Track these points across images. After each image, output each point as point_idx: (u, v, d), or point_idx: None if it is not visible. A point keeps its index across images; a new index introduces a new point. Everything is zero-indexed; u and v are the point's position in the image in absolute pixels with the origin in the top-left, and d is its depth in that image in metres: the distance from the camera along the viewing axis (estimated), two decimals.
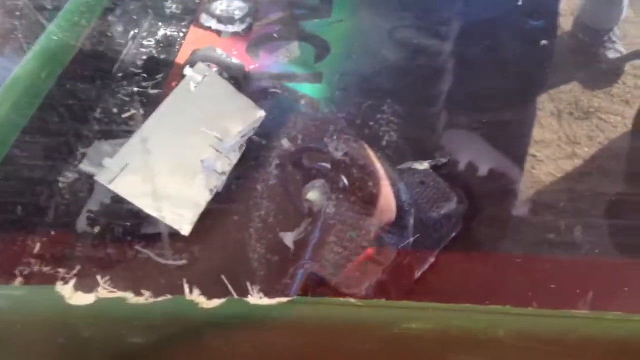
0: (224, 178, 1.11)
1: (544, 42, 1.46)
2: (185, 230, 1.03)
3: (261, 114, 1.19)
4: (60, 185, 1.14)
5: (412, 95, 1.33)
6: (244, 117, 1.17)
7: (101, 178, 1.03)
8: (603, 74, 1.47)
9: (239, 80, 1.25)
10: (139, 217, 1.05)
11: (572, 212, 1.06)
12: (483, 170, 1.12)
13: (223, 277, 0.73)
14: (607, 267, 1.01)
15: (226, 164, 1.12)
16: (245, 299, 0.66)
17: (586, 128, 1.33)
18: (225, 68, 1.24)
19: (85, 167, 1.12)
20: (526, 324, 0.66)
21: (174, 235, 1.03)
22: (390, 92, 1.33)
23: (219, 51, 1.31)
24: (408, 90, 1.35)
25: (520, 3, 1.58)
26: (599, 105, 1.38)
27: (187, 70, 1.19)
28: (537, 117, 1.34)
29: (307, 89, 1.36)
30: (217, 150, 1.11)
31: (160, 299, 0.64)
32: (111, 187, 1.02)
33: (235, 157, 1.13)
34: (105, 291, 0.66)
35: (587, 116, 1.36)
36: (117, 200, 1.06)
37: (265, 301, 0.66)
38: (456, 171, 1.15)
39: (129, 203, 1.03)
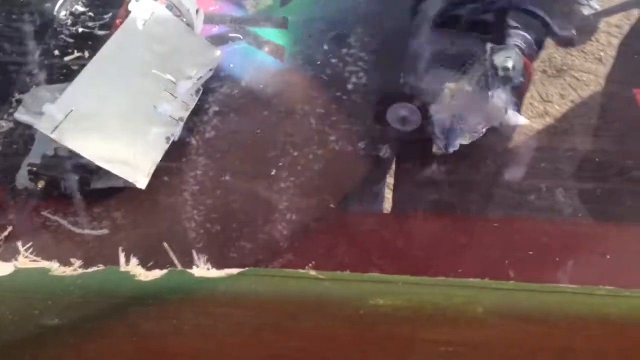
0: (181, 125, 1.00)
1: None
2: (141, 183, 0.92)
3: (217, 53, 1.08)
4: None
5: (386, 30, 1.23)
6: (198, 58, 1.06)
7: (42, 126, 0.91)
8: (577, 31, 1.40)
9: (190, 18, 1.12)
10: (87, 169, 0.94)
11: (552, 173, 0.99)
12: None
13: (165, 244, 0.63)
14: (587, 232, 0.94)
15: (182, 110, 1.01)
16: (189, 270, 0.57)
17: (559, 86, 1.27)
18: (176, 3, 1.11)
19: (21, 115, 1.00)
20: (507, 299, 0.59)
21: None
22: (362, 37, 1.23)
23: None
24: (379, 26, 1.25)
25: None
26: (572, 62, 1.32)
27: (132, 6, 1.06)
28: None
29: (272, 34, 1.24)
30: (172, 95, 1.00)
31: (90, 269, 0.55)
32: (54, 136, 0.91)
33: (192, 102, 1.02)
34: (26, 260, 0.56)
35: (560, 74, 1.30)
36: (62, 151, 0.94)
37: (213, 272, 0.57)
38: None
39: (75, 154, 0.92)
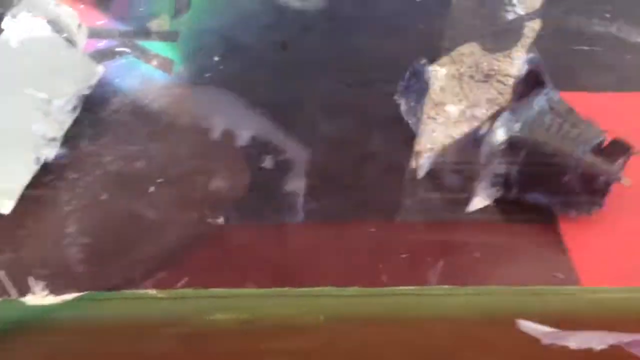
0: (55, 145, 0.98)
1: None
2: (5, 207, 0.90)
3: (98, 69, 1.07)
4: None
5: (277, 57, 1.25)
6: (77, 74, 1.04)
7: None
8: (502, 36, 1.44)
9: (71, 33, 1.11)
10: None
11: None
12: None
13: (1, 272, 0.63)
14: (456, 230, 0.97)
15: (56, 129, 0.99)
16: (22, 299, 0.56)
17: (486, 91, 1.30)
18: (55, 18, 1.09)
19: None
20: (347, 305, 0.61)
21: None
22: (256, 48, 1.24)
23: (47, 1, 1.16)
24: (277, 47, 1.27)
25: None
26: (499, 67, 1.36)
27: (5, 23, 1.04)
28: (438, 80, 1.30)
29: (161, 48, 1.24)
30: (46, 113, 0.98)
31: None
32: None
33: (68, 120, 1.01)
34: None
35: (487, 79, 1.33)
36: None
37: (48, 299, 0.56)
38: None
39: None
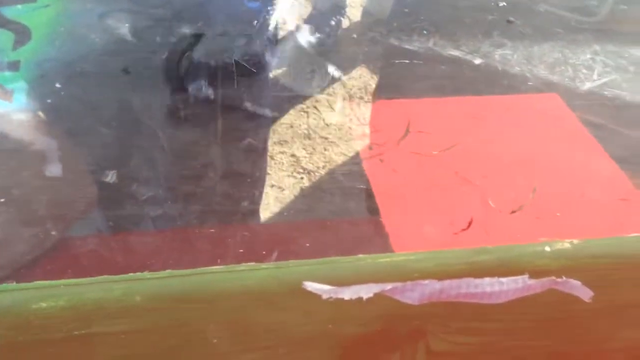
0: None
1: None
2: None
3: None
4: None
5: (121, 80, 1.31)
6: None
7: None
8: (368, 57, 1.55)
9: None
10: None
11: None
12: None
13: None
14: (296, 228, 1.07)
15: None
16: None
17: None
18: None
19: None
20: (161, 286, 0.68)
21: None
22: (97, 75, 1.30)
23: None
24: (119, 74, 1.33)
25: None
26: None
27: None
28: (328, 102, 1.39)
29: (1, 78, 1.26)
30: None
31: None
32: None
33: None
34: None
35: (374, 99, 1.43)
36: None
37: None
38: None
39: None
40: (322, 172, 1.21)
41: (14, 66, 1.30)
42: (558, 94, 1.44)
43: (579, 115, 1.34)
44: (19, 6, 1.47)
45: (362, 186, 1.16)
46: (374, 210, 1.11)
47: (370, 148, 1.25)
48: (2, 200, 1.02)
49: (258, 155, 1.21)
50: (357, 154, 1.25)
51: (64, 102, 1.23)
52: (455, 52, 1.54)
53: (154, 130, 1.21)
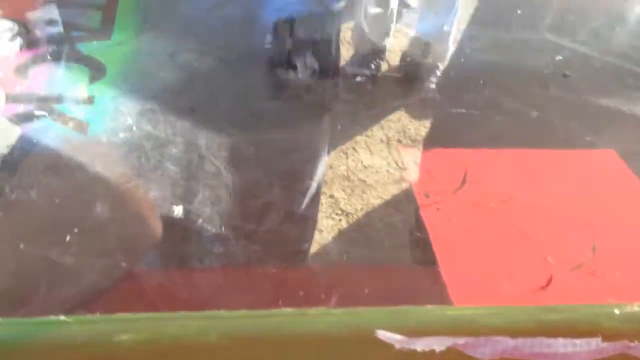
0: None
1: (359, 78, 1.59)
2: None
3: (15, 130, 1.16)
4: None
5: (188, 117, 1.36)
6: None
7: None
8: (429, 105, 1.58)
9: None
10: None
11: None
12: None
13: None
14: (352, 272, 1.09)
15: None
16: None
17: (413, 155, 1.42)
18: None
19: None
20: (236, 325, 0.71)
21: None
22: (166, 113, 1.36)
23: None
24: (187, 111, 1.38)
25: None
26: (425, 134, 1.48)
27: None
28: (367, 144, 1.42)
29: (77, 111, 1.33)
30: None
31: None
32: None
33: None
34: None
35: (414, 144, 1.45)
36: None
37: None
38: None
39: None
40: (360, 214, 1.23)
41: (89, 100, 1.37)
42: (615, 150, 1.44)
43: (636, 172, 1.34)
44: (95, 42, 1.55)
45: (418, 234, 1.18)
46: (430, 260, 1.12)
47: (427, 196, 1.26)
48: (76, 230, 1.07)
49: (315, 197, 1.24)
50: (395, 197, 1.26)
51: (135, 137, 1.29)
52: (511, 104, 1.56)
53: (218, 168, 1.25)
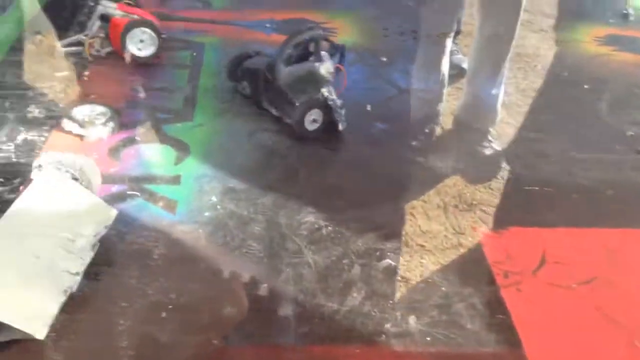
0: (78, 278, 1.12)
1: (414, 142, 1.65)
2: (40, 333, 1.03)
3: (112, 212, 1.23)
4: None
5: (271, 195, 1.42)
6: (95, 217, 1.21)
7: None
8: (483, 170, 1.60)
9: (88, 180, 1.28)
10: None
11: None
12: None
13: None
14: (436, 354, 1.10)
15: (79, 264, 1.13)
16: None
17: (470, 219, 1.44)
18: (74, 168, 1.27)
19: None
20: None
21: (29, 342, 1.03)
22: (247, 192, 1.42)
23: (67, 154, 1.34)
24: (266, 190, 1.44)
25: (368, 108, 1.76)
26: (481, 197, 1.49)
27: (34, 174, 1.20)
28: (424, 209, 1.45)
29: (166, 191, 1.41)
30: (69, 251, 1.13)
31: None
32: None
33: (88, 257, 1.15)
34: None
35: (471, 208, 1.46)
36: None
37: None
38: None
39: None
40: (418, 279, 1.23)
41: (176, 180, 1.45)
42: None
43: None
44: (179, 124, 1.65)
45: (500, 315, 1.18)
46: (514, 342, 1.12)
47: (506, 276, 1.26)
48: (170, 307, 1.12)
49: (394, 275, 1.26)
50: (473, 277, 1.26)
51: (220, 215, 1.35)
52: (586, 181, 1.56)
53: (300, 247, 1.29)
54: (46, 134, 1.55)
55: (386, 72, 1.97)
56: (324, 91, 1.64)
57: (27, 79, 1.75)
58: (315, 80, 1.66)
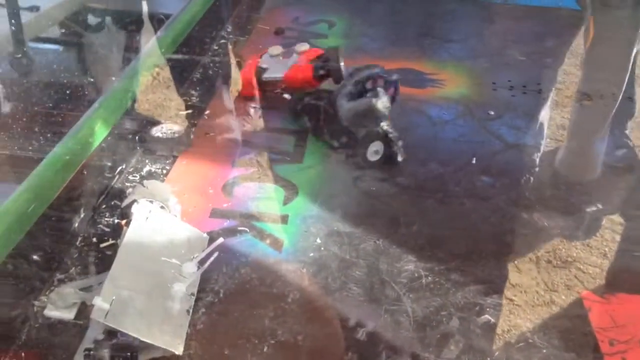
0: (193, 299, 1.21)
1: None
2: (179, 349, 1.13)
3: (205, 237, 1.37)
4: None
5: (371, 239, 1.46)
6: (191, 242, 1.33)
7: (95, 315, 1.10)
8: (581, 226, 1.57)
9: (174, 211, 1.40)
10: (133, 346, 1.13)
11: None
12: None
13: None
14: None
15: (192, 286, 1.24)
16: None
17: (564, 277, 1.42)
18: (163, 201, 1.39)
19: (50, 312, 1.20)
20: None
21: None
22: (350, 236, 1.46)
23: (159, 186, 1.45)
24: (369, 235, 1.48)
25: (474, 161, 1.77)
26: (577, 255, 1.46)
27: (135, 208, 1.33)
28: (515, 262, 1.44)
29: (274, 229, 1.48)
30: (181, 275, 1.24)
31: None
32: (107, 322, 1.09)
33: (197, 279, 1.26)
34: None
35: (566, 265, 1.43)
36: (110, 333, 1.14)
37: None
38: None
39: (122, 334, 1.11)
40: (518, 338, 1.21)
41: (283, 219, 1.52)
42: None
43: None
44: (289, 165, 1.73)
45: None
46: None
47: (611, 344, 1.23)
48: (272, 342, 1.18)
49: (492, 332, 1.26)
50: (577, 343, 1.22)
51: (323, 257, 1.40)
52: None
53: (399, 294, 1.31)
54: (168, 167, 1.67)
55: (493, 126, 1.98)
56: (383, 125, 1.76)
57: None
58: (373, 115, 1.77)
